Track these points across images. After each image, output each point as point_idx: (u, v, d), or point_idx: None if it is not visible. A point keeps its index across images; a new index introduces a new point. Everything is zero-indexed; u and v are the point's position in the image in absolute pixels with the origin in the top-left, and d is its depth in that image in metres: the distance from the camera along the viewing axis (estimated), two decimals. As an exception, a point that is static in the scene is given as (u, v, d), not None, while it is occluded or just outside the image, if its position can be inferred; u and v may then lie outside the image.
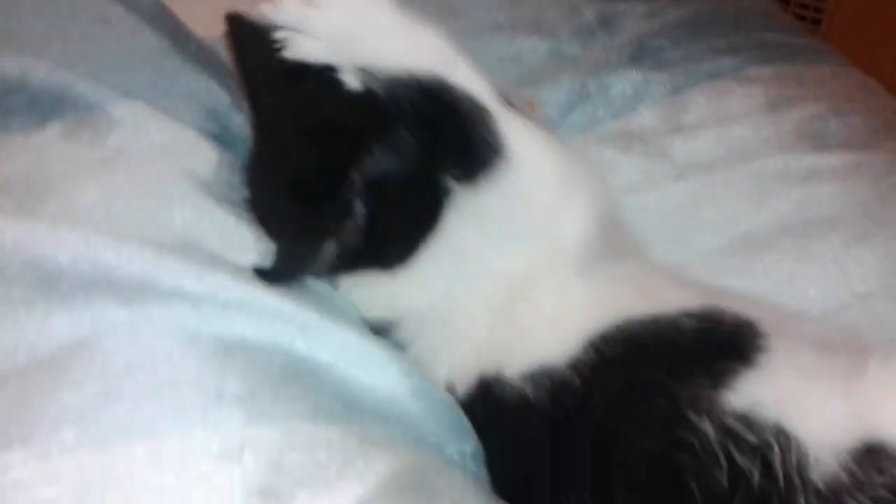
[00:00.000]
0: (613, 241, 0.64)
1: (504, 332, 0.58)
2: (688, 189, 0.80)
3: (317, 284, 0.63)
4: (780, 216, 0.75)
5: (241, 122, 0.78)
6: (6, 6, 0.78)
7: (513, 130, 0.60)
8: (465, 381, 0.59)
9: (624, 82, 0.88)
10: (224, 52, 1.02)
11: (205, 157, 0.70)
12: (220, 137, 0.72)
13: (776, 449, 0.46)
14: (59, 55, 0.73)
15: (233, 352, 0.53)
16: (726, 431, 0.47)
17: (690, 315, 0.55)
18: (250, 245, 0.62)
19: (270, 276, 0.58)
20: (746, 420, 0.48)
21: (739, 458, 0.46)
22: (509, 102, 0.65)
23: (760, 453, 0.46)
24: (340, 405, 0.54)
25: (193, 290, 0.56)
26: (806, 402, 0.49)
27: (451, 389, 0.59)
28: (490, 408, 0.57)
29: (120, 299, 0.54)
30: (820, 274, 0.70)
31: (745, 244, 0.75)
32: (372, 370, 0.57)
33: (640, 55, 0.91)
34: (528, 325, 0.58)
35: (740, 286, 0.71)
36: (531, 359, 0.56)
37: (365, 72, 0.57)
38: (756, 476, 0.46)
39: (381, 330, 0.61)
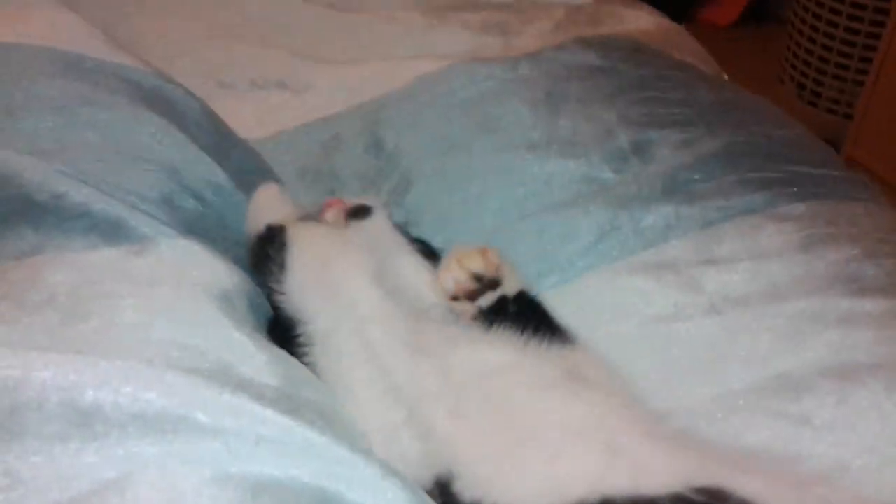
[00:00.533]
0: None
1: None
2: (721, 323, 0.80)
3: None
4: (817, 358, 0.73)
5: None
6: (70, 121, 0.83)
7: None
8: None
9: (656, 215, 0.89)
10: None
11: (235, 284, 0.75)
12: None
13: None
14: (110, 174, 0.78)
15: (262, 493, 0.53)
16: None
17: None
18: (275, 366, 0.65)
19: None
20: None
21: None
22: None
23: None
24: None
25: (227, 425, 0.56)
26: None
27: None
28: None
29: (154, 435, 0.55)
30: (861, 422, 0.68)
31: (781, 385, 0.73)
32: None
33: (673, 188, 0.92)
34: None
35: (775, 429, 0.70)
36: None
37: None
38: None
39: None
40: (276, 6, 1.37)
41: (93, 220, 0.74)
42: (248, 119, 1.17)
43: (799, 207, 0.88)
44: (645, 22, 1.30)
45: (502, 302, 0.81)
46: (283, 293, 0.76)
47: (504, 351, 0.73)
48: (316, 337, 0.74)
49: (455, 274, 0.80)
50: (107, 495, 0.50)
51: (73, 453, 0.53)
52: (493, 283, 0.81)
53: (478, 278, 0.80)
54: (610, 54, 1.15)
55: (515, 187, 0.96)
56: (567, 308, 0.82)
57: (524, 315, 0.79)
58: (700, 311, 0.81)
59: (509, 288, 0.82)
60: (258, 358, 0.66)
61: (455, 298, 0.80)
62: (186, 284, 0.71)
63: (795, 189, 0.91)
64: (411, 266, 0.84)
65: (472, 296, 0.80)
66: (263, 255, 0.79)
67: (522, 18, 1.32)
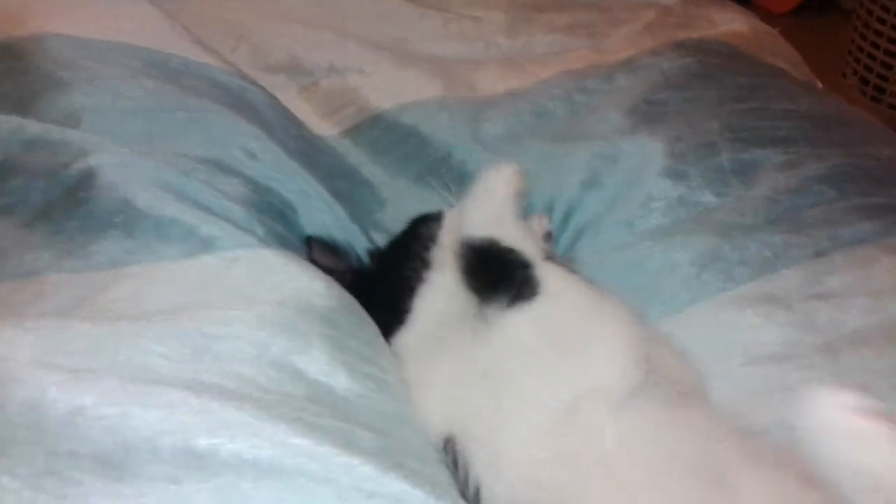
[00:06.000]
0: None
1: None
2: (836, 365, 0.75)
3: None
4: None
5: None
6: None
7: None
8: None
9: (761, 244, 0.84)
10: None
11: (337, 301, 0.72)
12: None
13: None
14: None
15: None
16: None
17: None
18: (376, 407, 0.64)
19: None
20: None
21: None
22: None
23: None
24: None
25: (342, 480, 0.54)
26: None
27: None
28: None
29: (269, 479, 0.53)
30: None
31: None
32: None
33: (778, 214, 0.87)
34: None
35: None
36: None
37: None
38: None
39: None
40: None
41: (186, 230, 0.72)
42: (319, 112, 1.15)
43: (912, 237, 0.83)
44: (738, 24, 1.24)
45: None
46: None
47: None
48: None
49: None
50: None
51: (187, 495, 0.51)
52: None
53: None
54: (707, 60, 1.11)
55: (616, 212, 0.92)
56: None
57: None
58: (812, 350, 0.77)
59: None
60: (366, 399, 0.64)
61: None
62: (288, 302, 0.69)
63: (908, 217, 0.86)
64: None
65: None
66: (500, 278, 0.75)
67: (610, 19, 1.27)
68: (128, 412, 0.52)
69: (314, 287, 0.71)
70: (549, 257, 0.80)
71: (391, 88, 1.14)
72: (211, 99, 0.90)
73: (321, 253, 0.83)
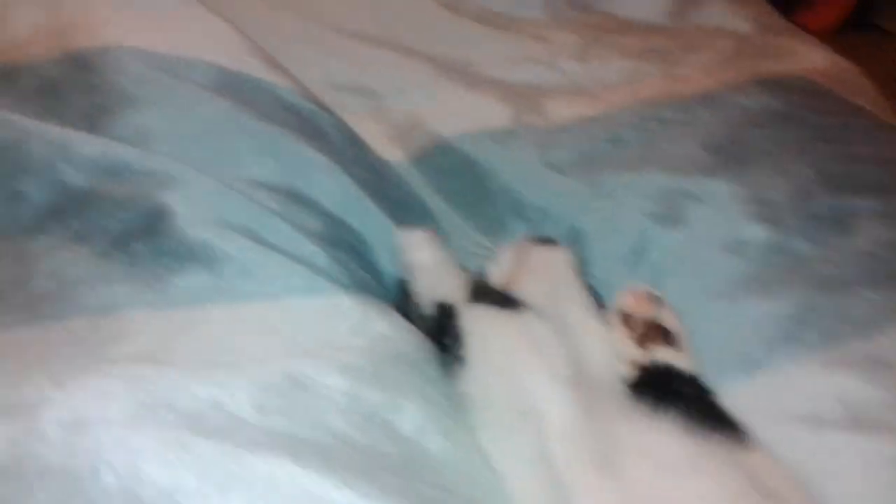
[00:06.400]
0: None
1: None
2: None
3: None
4: None
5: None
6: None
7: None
8: None
9: (863, 302, 0.80)
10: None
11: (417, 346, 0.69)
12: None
13: None
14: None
15: None
16: None
17: None
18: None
19: None
20: None
21: None
22: None
23: None
24: None
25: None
26: None
27: None
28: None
29: None
30: None
31: None
32: None
33: (878, 269, 0.83)
34: None
35: None
36: None
37: None
38: None
39: None
40: (416, 13, 1.29)
41: (267, 270, 0.68)
42: (387, 136, 1.11)
43: None
44: (819, 59, 1.20)
45: (671, 375, 0.74)
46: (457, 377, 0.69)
47: (682, 446, 0.66)
48: (485, 421, 0.67)
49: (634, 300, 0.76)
50: None
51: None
52: (668, 336, 0.74)
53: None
54: (791, 98, 1.06)
55: (701, 254, 0.87)
56: (756, 405, 0.73)
57: (692, 400, 0.72)
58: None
59: (684, 362, 0.74)
60: (459, 462, 0.60)
61: (627, 323, 0.75)
62: (376, 350, 0.65)
63: None
64: (587, 322, 0.77)
65: (645, 339, 0.74)
66: (437, 340, 0.73)
67: (683, 45, 1.22)
68: (228, 490, 0.48)
69: (401, 335, 0.67)
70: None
71: (459, 114, 1.10)
72: (282, 123, 0.86)
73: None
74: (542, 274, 0.79)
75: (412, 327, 0.72)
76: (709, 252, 0.88)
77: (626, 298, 0.78)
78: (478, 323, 0.71)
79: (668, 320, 0.77)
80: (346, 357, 0.63)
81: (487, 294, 0.75)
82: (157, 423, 0.50)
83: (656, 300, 0.78)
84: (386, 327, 0.68)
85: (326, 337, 0.64)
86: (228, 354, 0.59)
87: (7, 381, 0.53)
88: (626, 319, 0.76)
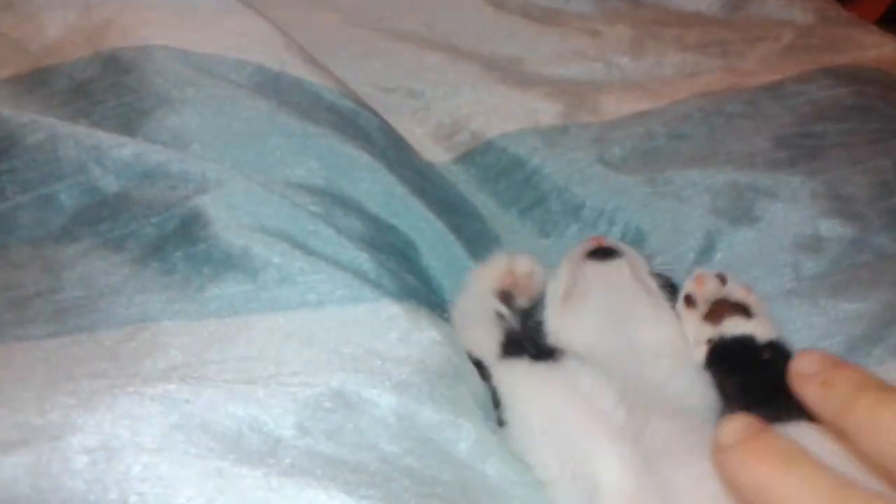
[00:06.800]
0: None
1: None
2: None
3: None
4: None
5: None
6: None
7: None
8: None
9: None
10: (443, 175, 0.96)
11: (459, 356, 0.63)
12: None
13: None
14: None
15: None
16: None
17: None
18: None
19: None
20: None
21: None
22: None
23: None
24: None
25: None
26: None
27: None
28: None
29: None
30: None
31: None
32: None
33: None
34: None
35: None
36: None
37: None
38: None
39: None
40: (460, 10, 1.24)
41: (310, 277, 0.63)
42: (431, 136, 1.06)
43: None
44: (888, 48, 1.12)
45: (749, 345, 0.67)
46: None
47: None
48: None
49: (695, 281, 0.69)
50: None
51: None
52: (743, 308, 0.67)
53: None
54: (863, 89, 0.99)
55: (776, 252, 0.81)
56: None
57: (770, 367, 0.65)
58: None
59: (759, 328, 0.67)
60: (519, 489, 0.55)
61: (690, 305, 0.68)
62: (428, 365, 0.59)
63: None
64: (659, 330, 0.70)
65: (716, 314, 0.67)
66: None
67: (744, 37, 1.15)
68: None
69: (452, 346, 0.62)
70: None
71: (507, 113, 1.04)
72: (324, 123, 0.82)
73: None
74: (601, 290, 0.72)
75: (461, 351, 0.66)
76: (782, 250, 0.81)
77: (687, 282, 0.71)
78: (515, 382, 0.63)
79: (736, 293, 0.70)
80: (395, 371, 0.57)
81: (520, 346, 0.67)
82: (191, 448, 0.45)
83: (719, 277, 0.71)
84: (437, 338, 0.62)
85: (374, 348, 0.59)
86: (268, 368, 0.54)
87: (32, 401, 0.49)
88: (690, 301, 0.70)
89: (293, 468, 0.47)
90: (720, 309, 0.69)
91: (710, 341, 0.67)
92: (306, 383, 0.53)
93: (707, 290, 0.70)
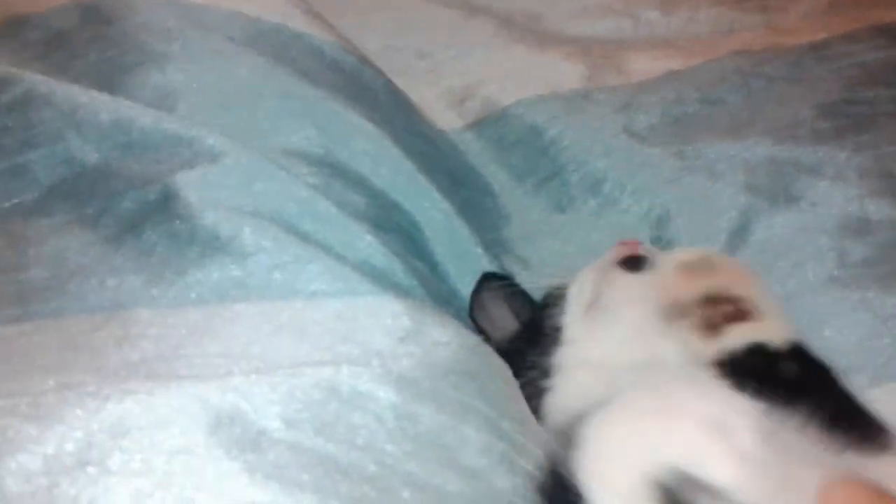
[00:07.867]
0: None
1: None
2: None
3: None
4: None
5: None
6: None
7: None
8: None
9: None
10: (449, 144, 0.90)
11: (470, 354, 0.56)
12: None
13: None
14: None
15: None
16: None
17: None
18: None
19: None
20: None
21: None
22: None
23: None
24: None
25: None
26: None
27: None
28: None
29: None
30: None
31: None
32: None
33: None
34: None
35: None
36: None
37: None
38: None
39: None
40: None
41: (304, 263, 0.57)
42: (443, 101, 0.99)
43: None
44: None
45: (760, 354, 0.57)
46: None
47: None
48: None
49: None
50: None
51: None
52: (741, 312, 0.57)
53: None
54: (920, 51, 0.91)
55: (818, 236, 0.74)
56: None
57: (806, 387, 0.57)
58: None
59: (770, 331, 0.58)
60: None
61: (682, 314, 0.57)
62: (433, 363, 0.53)
63: None
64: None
65: (708, 323, 0.56)
66: None
67: (784, -10, 1.07)
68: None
69: (462, 342, 0.56)
70: None
71: (525, 76, 0.97)
72: (325, 85, 0.75)
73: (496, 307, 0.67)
74: (628, 304, 0.63)
75: (475, 336, 0.60)
76: (825, 233, 0.74)
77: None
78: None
79: (727, 283, 0.59)
80: (396, 366, 0.51)
81: None
82: (164, 440, 0.40)
83: (704, 265, 0.62)
84: (444, 333, 0.56)
85: (373, 342, 0.53)
86: (253, 360, 0.48)
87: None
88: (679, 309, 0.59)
89: (276, 464, 0.41)
90: (714, 313, 0.60)
91: (717, 364, 0.54)
92: (294, 374, 0.47)
93: (691, 286, 0.61)
